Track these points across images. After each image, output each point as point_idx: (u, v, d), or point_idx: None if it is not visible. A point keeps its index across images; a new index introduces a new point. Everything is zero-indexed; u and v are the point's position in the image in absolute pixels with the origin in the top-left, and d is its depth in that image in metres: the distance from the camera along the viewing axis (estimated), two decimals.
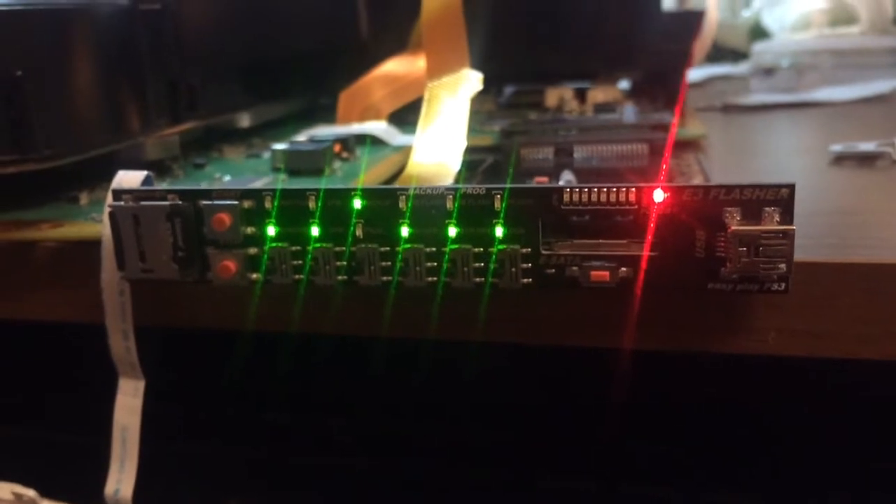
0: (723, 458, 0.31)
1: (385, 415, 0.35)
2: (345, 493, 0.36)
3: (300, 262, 0.22)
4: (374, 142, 0.36)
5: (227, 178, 0.32)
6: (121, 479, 0.26)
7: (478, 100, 0.31)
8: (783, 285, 0.20)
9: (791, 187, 0.20)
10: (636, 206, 0.21)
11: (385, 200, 0.22)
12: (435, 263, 0.22)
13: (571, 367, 0.29)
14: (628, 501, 0.33)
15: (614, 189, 0.21)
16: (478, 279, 0.21)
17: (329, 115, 0.40)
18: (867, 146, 0.33)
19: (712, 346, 0.22)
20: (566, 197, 0.21)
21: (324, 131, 0.36)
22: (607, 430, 0.31)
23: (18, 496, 0.27)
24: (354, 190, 0.22)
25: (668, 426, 0.30)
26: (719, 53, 0.64)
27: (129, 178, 0.24)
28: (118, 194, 0.23)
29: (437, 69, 0.32)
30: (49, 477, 0.28)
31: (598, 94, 0.45)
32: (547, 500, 0.33)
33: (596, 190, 0.21)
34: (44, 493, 0.27)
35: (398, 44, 0.40)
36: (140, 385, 0.26)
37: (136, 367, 0.25)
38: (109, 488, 0.26)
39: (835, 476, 0.30)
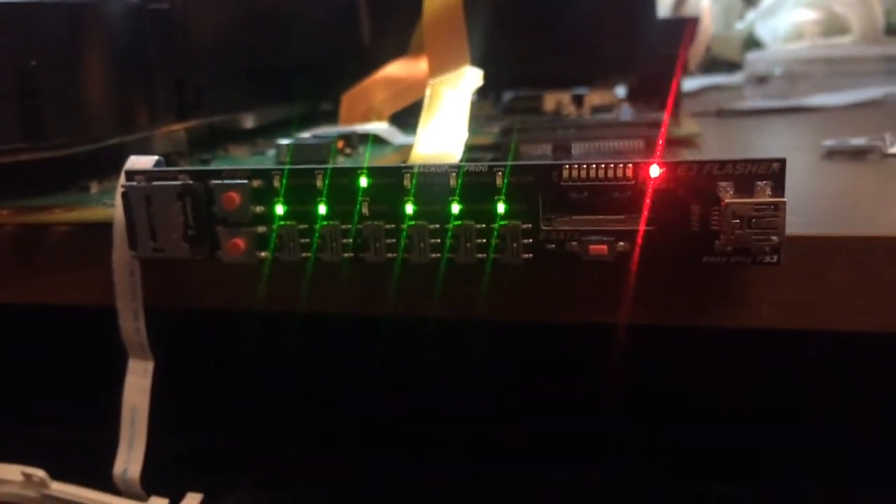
0: (726, 446, 0.32)
1: (390, 409, 0.36)
2: (348, 489, 0.36)
3: (307, 239, 0.23)
4: (377, 141, 0.37)
5: None
6: (129, 458, 0.26)
7: (477, 105, 0.32)
8: (775, 257, 0.21)
9: (782, 161, 0.20)
10: (633, 182, 0.21)
11: (390, 178, 0.22)
12: (438, 240, 0.22)
13: (572, 349, 0.30)
14: (639, 493, 0.33)
15: (612, 165, 0.21)
16: (480, 255, 0.22)
17: (331, 119, 0.41)
18: (858, 141, 0.33)
19: (707, 319, 0.23)
20: (566, 173, 0.21)
21: (327, 130, 0.37)
22: (615, 419, 0.31)
23: (28, 477, 0.27)
24: (361, 168, 0.22)
25: (671, 409, 0.31)
26: (714, 64, 0.65)
27: (141, 162, 0.24)
28: (131, 175, 0.24)
29: (439, 67, 0.33)
30: (58, 460, 0.29)
31: (594, 99, 0.46)
32: (559, 492, 0.33)
33: (594, 166, 0.21)
34: (53, 475, 0.28)
35: (399, 48, 0.41)
36: (149, 366, 0.26)
37: (146, 347, 0.26)
38: (118, 468, 0.26)
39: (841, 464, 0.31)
